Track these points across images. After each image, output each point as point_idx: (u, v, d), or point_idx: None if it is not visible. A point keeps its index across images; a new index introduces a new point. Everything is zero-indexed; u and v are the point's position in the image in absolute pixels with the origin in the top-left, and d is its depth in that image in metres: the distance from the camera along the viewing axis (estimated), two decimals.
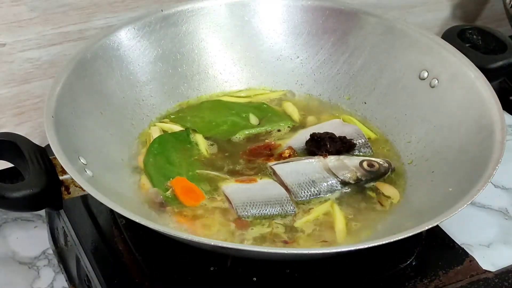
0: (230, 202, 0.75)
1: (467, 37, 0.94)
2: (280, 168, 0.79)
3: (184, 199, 0.76)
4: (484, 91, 0.80)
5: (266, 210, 0.74)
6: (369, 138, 0.85)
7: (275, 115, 0.89)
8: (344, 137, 0.83)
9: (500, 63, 0.89)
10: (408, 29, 0.89)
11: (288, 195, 0.76)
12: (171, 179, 0.78)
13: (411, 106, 0.87)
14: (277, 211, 0.74)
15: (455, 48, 0.86)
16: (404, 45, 0.89)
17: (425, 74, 0.86)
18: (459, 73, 0.83)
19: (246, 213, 0.73)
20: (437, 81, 0.85)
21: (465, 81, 0.82)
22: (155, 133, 0.85)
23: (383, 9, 1.03)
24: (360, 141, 0.84)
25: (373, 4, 1.05)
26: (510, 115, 0.98)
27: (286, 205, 0.75)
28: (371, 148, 0.84)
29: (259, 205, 0.74)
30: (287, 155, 0.81)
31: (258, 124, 0.88)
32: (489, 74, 0.82)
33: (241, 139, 0.85)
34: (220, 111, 0.89)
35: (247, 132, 0.86)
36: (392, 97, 0.88)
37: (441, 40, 0.88)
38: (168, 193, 0.77)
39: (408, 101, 0.87)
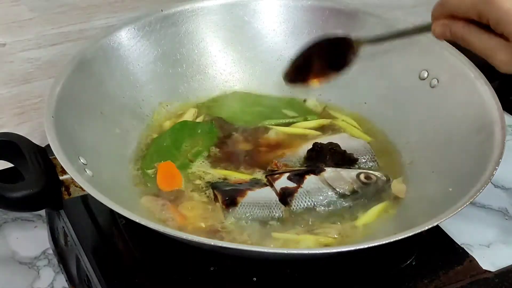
0: (218, 199, 0.75)
1: None
2: (275, 178, 0.78)
3: (160, 182, 0.77)
4: (484, 91, 0.80)
5: (253, 211, 0.74)
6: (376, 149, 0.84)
7: (304, 111, 0.91)
8: (344, 151, 0.81)
9: None
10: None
11: (277, 199, 0.75)
12: (163, 161, 0.80)
13: (411, 106, 0.86)
14: (264, 213, 0.74)
15: (455, 48, 0.86)
16: (404, 45, 0.88)
17: (425, 74, 0.86)
18: (459, 73, 0.83)
19: (233, 211, 0.73)
20: (437, 81, 0.85)
21: (465, 81, 0.82)
22: (189, 115, 0.87)
23: (383, 9, 1.03)
24: (365, 157, 0.83)
25: (373, 4, 1.05)
26: (510, 115, 0.98)
27: (274, 209, 0.74)
28: (377, 163, 0.82)
29: (247, 205, 0.74)
30: (275, 167, 0.81)
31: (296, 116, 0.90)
32: (489, 74, 0.82)
33: (274, 133, 0.86)
34: (249, 101, 0.91)
35: (271, 122, 0.88)
36: (392, 97, 0.88)
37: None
38: (151, 171, 0.79)
39: (408, 101, 0.87)
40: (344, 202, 0.76)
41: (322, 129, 0.88)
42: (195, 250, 0.67)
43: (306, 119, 0.89)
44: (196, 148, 0.83)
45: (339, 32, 0.77)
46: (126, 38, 0.86)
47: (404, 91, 0.88)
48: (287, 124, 0.89)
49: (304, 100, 0.93)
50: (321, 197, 0.76)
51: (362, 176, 0.78)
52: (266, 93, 0.93)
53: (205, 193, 0.77)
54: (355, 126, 0.88)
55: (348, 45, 0.76)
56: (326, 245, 0.71)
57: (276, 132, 0.87)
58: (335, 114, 0.91)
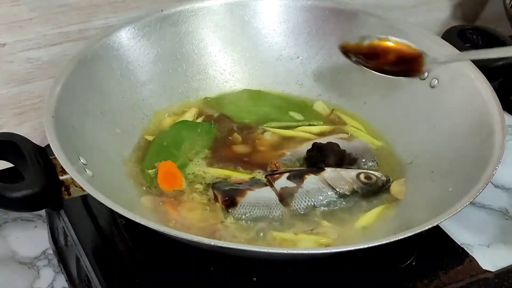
0: (218, 199, 0.75)
1: (467, 37, 0.94)
2: (275, 178, 0.78)
3: (161, 182, 0.77)
4: (484, 91, 0.80)
5: (253, 211, 0.73)
6: (376, 149, 0.85)
7: (312, 115, 0.90)
8: (344, 150, 0.81)
9: (500, 63, 0.89)
10: (408, 29, 0.89)
11: (277, 199, 0.75)
12: (163, 161, 0.80)
13: (411, 106, 0.86)
14: (264, 213, 0.74)
15: (455, 49, 0.86)
16: None
17: (425, 74, 0.86)
18: (459, 73, 0.83)
19: (233, 211, 0.73)
20: (437, 81, 0.85)
21: (465, 81, 0.82)
22: (189, 115, 0.87)
23: (383, 9, 1.03)
24: (366, 156, 0.82)
25: (373, 4, 1.05)
26: (510, 115, 0.98)
27: (274, 209, 0.74)
28: (377, 163, 0.82)
29: (247, 205, 0.74)
30: (274, 167, 0.80)
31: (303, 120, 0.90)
32: (489, 74, 0.82)
33: (269, 135, 0.86)
34: (257, 101, 0.92)
35: (274, 124, 0.88)
36: (392, 97, 0.88)
37: (441, 40, 0.88)
38: (152, 171, 0.79)
39: (408, 101, 0.87)
40: (344, 202, 0.76)
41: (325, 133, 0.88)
42: (195, 250, 0.67)
43: (311, 125, 0.89)
44: (196, 148, 0.83)
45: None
46: (126, 38, 0.86)
47: (404, 91, 0.87)
48: (290, 128, 0.88)
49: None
50: (321, 197, 0.76)
51: (362, 176, 0.78)
52: (274, 91, 0.94)
53: (205, 193, 0.77)
54: (362, 131, 0.88)
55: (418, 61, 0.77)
56: (326, 245, 0.71)
57: (272, 134, 0.86)
58: (344, 118, 0.90)
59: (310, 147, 0.82)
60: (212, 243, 0.62)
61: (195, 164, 0.81)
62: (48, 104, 0.73)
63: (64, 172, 0.71)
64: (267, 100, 0.92)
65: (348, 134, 0.87)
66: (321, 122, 0.89)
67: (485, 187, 0.68)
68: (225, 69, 0.93)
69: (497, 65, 0.88)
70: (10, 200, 0.66)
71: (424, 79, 0.86)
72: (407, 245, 0.72)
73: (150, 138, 0.84)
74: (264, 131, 0.87)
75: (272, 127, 0.88)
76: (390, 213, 0.76)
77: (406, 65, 0.81)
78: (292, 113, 0.90)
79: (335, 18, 0.93)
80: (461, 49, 0.86)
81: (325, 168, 0.79)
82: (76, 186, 0.72)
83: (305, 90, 0.94)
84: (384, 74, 0.82)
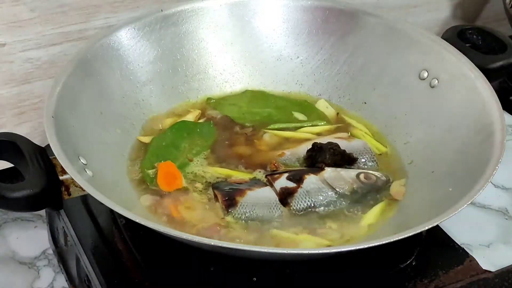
0: (218, 199, 0.75)
1: (467, 37, 0.94)
2: (275, 178, 0.78)
3: (161, 182, 0.77)
4: (484, 91, 0.80)
5: (253, 211, 0.73)
6: (379, 154, 0.84)
7: (315, 115, 0.90)
8: (344, 150, 0.81)
9: (500, 63, 0.89)
10: (408, 29, 0.89)
11: (277, 199, 0.75)
12: (162, 161, 0.79)
13: (411, 106, 0.86)
14: (264, 213, 0.74)
15: (455, 48, 0.86)
16: (404, 45, 0.89)
17: (425, 74, 0.86)
18: (459, 73, 0.83)
19: (233, 211, 0.73)
20: (437, 81, 0.85)
21: (465, 81, 0.82)
22: (191, 116, 0.87)
23: (383, 9, 1.03)
24: (366, 156, 0.82)
25: (373, 4, 1.05)
26: (510, 115, 0.98)
27: (273, 209, 0.74)
28: (377, 163, 0.82)
29: (246, 205, 0.74)
30: (274, 167, 0.80)
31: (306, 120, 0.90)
32: (489, 74, 0.82)
33: (268, 137, 0.86)
34: (259, 102, 0.91)
35: (274, 126, 0.87)
36: (392, 97, 0.88)
37: (441, 40, 0.88)
38: (151, 172, 0.78)
39: (408, 101, 0.87)
40: (343, 202, 0.76)
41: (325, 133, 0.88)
42: (195, 250, 0.67)
43: (314, 125, 0.89)
44: (196, 148, 0.83)
45: None
46: (126, 38, 0.86)
47: (404, 91, 0.88)
48: (293, 129, 0.88)
49: None
50: (321, 197, 0.76)
51: (362, 176, 0.78)
52: (275, 91, 0.94)
53: (205, 193, 0.77)
54: (368, 135, 0.87)
55: None
56: (326, 245, 0.71)
57: (272, 136, 0.86)
58: (349, 120, 0.90)
59: (310, 147, 0.82)
60: (212, 243, 0.62)
61: (195, 163, 0.81)
62: (48, 104, 0.73)
63: (64, 172, 0.71)
64: (270, 101, 0.92)
65: (348, 134, 0.87)
66: (324, 122, 0.89)
67: (485, 187, 0.68)
68: (225, 69, 0.93)
69: (497, 65, 0.88)
70: (10, 200, 0.66)
71: (424, 79, 0.86)
72: (407, 245, 0.72)
73: (149, 138, 0.84)
74: (265, 133, 0.87)
75: (275, 129, 0.87)
76: (390, 213, 0.76)
77: None
78: (295, 114, 0.90)
79: (335, 18, 0.93)
80: (461, 49, 0.86)
81: (325, 168, 0.79)
82: (76, 186, 0.72)
83: (305, 90, 0.94)
84: None
